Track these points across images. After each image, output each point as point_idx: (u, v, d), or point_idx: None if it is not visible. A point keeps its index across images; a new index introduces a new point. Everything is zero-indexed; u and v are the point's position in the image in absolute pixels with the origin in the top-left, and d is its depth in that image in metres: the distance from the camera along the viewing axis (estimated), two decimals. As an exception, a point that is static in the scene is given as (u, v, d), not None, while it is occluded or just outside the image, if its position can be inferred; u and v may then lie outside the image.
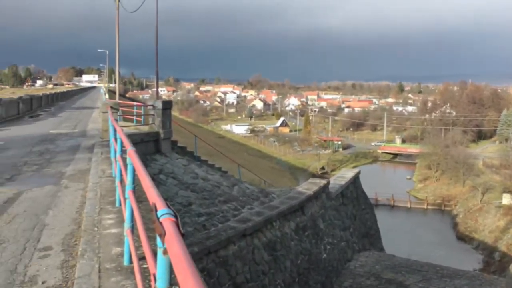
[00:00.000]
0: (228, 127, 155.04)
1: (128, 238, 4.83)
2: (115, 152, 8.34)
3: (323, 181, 23.43)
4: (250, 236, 15.54)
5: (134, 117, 24.68)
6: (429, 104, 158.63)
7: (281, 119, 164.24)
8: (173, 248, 2.19)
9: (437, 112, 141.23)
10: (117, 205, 7.38)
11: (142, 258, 4.72)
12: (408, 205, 73.96)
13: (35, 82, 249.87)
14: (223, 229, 14.81)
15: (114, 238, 5.94)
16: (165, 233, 2.36)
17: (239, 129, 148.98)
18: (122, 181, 7.04)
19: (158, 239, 2.52)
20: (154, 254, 3.17)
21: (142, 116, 23.86)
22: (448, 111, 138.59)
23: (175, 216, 2.53)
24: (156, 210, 2.67)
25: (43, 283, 5.04)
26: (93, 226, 6.46)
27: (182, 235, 2.33)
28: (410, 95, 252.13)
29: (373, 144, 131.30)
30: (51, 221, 7.23)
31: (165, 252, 2.49)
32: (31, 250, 5.96)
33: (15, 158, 13.80)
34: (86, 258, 5.31)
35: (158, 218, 2.54)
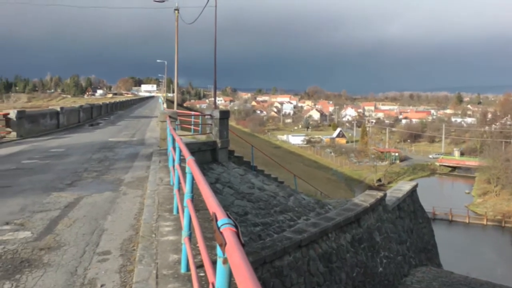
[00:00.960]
0: (284, 137, 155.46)
1: (186, 246, 4.89)
2: (174, 160, 8.49)
3: (380, 193, 23.03)
4: (306, 247, 15.45)
5: (192, 127, 25.09)
6: (489, 115, 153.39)
7: (338, 130, 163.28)
8: (234, 258, 2.20)
9: (497, 124, 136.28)
10: (174, 213, 7.50)
11: (199, 266, 4.77)
12: (467, 220, 71.39)
13: (95, 92, 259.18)
14: (278, 239, 14.80)
15: (171, 245, 6.03)
16: (225, 243, 2.37)
17: (296, 140, 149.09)
18: (180, 190, 7.16)
19: (218, 249, 2.53)
20: (212, 263, 3.20)
21: (200, 126, 24.23)
22: (509, 123, 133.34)
23: (236, 226, 2.53)
24: (216, 220, 2.69)
25: (102, 286, 5.18)
26: (150, 232, 6.59)
27: (243, 245, 2.34)
28: (469, 106, 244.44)
29: (430, 156, 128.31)
30: (110, 226, 7.44)
31: (225, 261, 2.51)
32: (90, 254, 6.14)
33: (76, 165, 14.35)
34: (144, 264, 5.42)
35: (218, 228, 2.55)
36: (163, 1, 38.87)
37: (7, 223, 7.75)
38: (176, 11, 40.52)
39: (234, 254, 2.22)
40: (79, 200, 9.34)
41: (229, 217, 2.65)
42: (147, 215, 7.56)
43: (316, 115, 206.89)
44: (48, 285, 5.24)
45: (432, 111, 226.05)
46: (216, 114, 20.37)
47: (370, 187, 77.86)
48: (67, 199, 9.47)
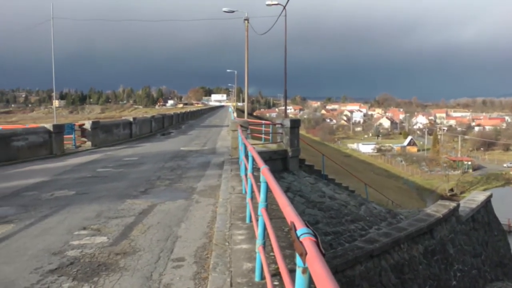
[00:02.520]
0: (354, 146, 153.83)
1: (260, 255, 4.91)
2: (246, 169, 8.58)
3: (453, 204, 22.30)
4: (377, 257, 15.21)
5: (262, 136, 25.30)
6: None
7: (409, 138, 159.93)
8: (316, 268, 2.19)
9: None
10: (247, 221, 7.57)
11: (273, 275, 4.78)
12: (545, 234, 67.21)
13: (166, 102, 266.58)
14: (350, 248, 14.66)
15: (245, 253, 6.08)
16: (306, 253, 2.37)
17: (366, 148, 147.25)
18: (252, 198, 7.22)
19: (298, 258, 2.54)
20: (289, 272, 3.21)
21: (270, 134, 24.41)
22: None
23: (315, 236, 2.53)
24: (295, 229, 2.70)
25: (177, 292, 5.30)
26: (224, 240, 6.68)
27: (323, 255, 2.33)
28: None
29: (505, 165, 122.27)
30: (183, 233, 7.61)
31: (304, 271, 2.51)
32: (165, 260, 6.31)
33: (149, 173, 14.80)
34: (218, 272, 5.49)
35: (298, 237, 2.56)
36: (233, 12, 39.49)
37: (84, 228, 8.11)
38: (246, 21, 41.05)
39: (315, 264, 2.22)
40: (152, 208, 9.63)
41: (308, 227, 2.65)
42: (220, 223, 7.67)
43: (386, 123, 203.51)
44: (125, 289, 5.43)
45: (507, 117, 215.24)
46: (287, 123, 20.46)
47: (442, 197, 75.04)
48: (141, 206, 9.79)
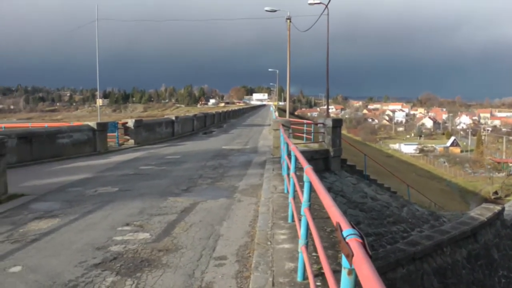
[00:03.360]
0: (396, 146, 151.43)
1: (303, 255, 4.89)
2: (288, 169, 8.55)
3: (497, 207, 21.71)
4: (420, 260, 14.97)
5: (304, 135, 25.23)
6: None
7: (452, 138, 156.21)
8: (363, 270, 2.17)
9: None
10: (289, 221, 7.55)
11: (316, 276, 4.75)
12: None
13: (208, 101, 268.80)
14: (391, 251, 14.48)
15: (287, 253, 6.06)
16: (353, 254, 2.35)
17: (408, 148, 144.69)
18: (295, 198, 7.20)
19: (344, 259, 2.52)
20: (333, 272, 3.19)
21: (312, 134, 24.32)
22: None
23: (361, 237, 2.51)
24: (341, 230, 2.67)
25: (219, 290, 5.33)
26: (266, 240, 6.67)
27: (370, 257, 2.30)
28: None
29: None
30: (225, 232, 7.65)
31: (350, 272, 2.49)
32: (207, 258, 6.36)
33: (191, 171, 14.96)
34: (260, 271, 5.49)
35: (344, 238, 2.54)
36: (275, 11, 39.50)
37: (127, 224, 8.26)
38: (288, 20, 41.00)
39: (363, 266, 2.20)
40: (194, 206, 9.72)
41: (353, 228, 2.62)
42: (262, 223, 7.67)
43: (429, 123, 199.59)
44: (167, 286, 5.50)
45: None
46: (329, 123, 20.34)
47: (486, 200, 73.02)
48: (183, 204, 9.89)
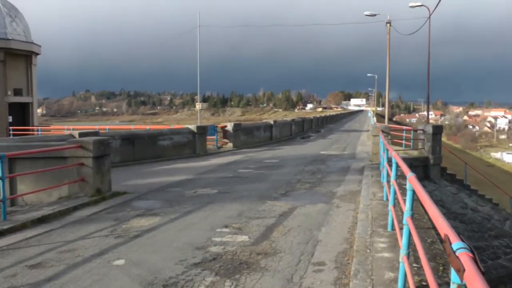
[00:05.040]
0: (498, 154, 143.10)
1: (404, 265, 4.75)
2: (388, 176, 8.34)
3: None
4: (525, 280, 14.07)
5: (403, 141, 24.61)
6: None
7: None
8: (475, 287, 2.07)
9: None
10: (389, 229, 7.38)
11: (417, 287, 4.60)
12: None
13: (306, 106, 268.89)
14: (493, 267, 13.78)
15: (386, 262, 5.92)
16: (464, 269, 2.24)
17: (510, 158, 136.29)
18: (395, 206, 7.02)
19: (454, 274, 2.41)
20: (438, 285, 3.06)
21: (411, 141, 23.69)
22: None
23: (472, 252, 2.39)
24: (450, 243, 2.56)
25: (318, 296, 5.29)
26: (365, 247, 6.55)
27: (483, 273, 2.18)
28: None
29: None
30: (324, 237, 7.59)
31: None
32: (305, 263, 6.33)
33: (289, 176, 15.01)
34: (359, 279, 5.40)
35: (453, 252, 2.43)
36: (375, 15, 38.83)
37: (226, 226, 8.42)
38: (388, 24, 40.15)
39: (475, 283, 2.09)
40: (293, 210, 9.73)
41: (463, 241, 2.51)
42: (361, 230, 7.55)
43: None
44: (266, 289, 5.53)
45: None
46: (429, 129, 19.73)
47: None
48: (281, 208, 9.94)
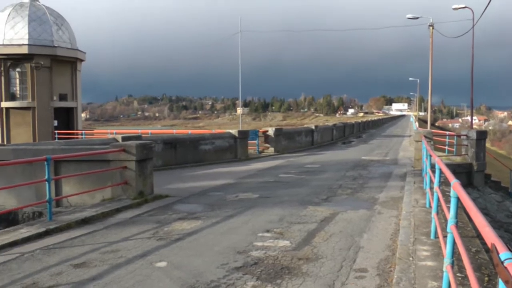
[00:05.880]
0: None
1: (448, 274, 4.65)
2: (431, 182, 8.17)
3: None
4: None
5: (446, 147, 24.14)
6: None
7: None
8: None
9: None
10: (432, 237, 7.24)
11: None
12: None
13: (347, 111, 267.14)
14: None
15: (430, 271, 5.81)
16: None
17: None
18: (438, 213, 6.88)
19: (501, 285, 2.34)
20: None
21: (455, 146, 23.22)
22: None
23: (520, 263, 2.31)
24: (497, 253, 2.49)
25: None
26: (407, 255, 6.44)
27: None
28: None
29: None
30: (366, 244, 7.49)
31: (509, 300, 2.31)
32: (347, 269, 6.26)
33: (330, 181, 14.92)
34: (401, 287, 5.32)
35: (501, 262, 2.36)
36: (417, 18, 38.24)
37: (267, 231, 8.42)
38: (431, 27, 39.48)
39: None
40: (334, 216, 9.66)
41: (511, 251, 2.43)
42: (403, 237, 7.43)
43: None
44: (307, 295, 5.50)
45: None
46: (473, 135, 19.31)
47: None
48: (323, 214, 9.87)
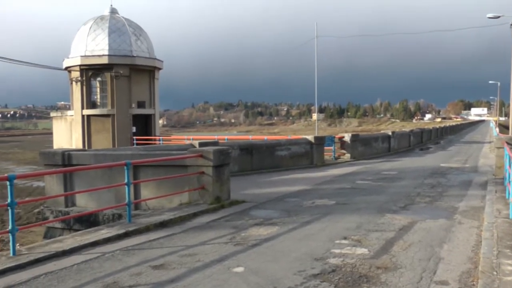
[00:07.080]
0: None
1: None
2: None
3: None
4: None
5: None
6: None
7: None
8: None
9: None
10: (516, 250, 6.87)
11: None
12: None
13: (424, 116, 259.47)
14: None
15: (515, 286, 5.51)
16: None
17: None
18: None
19: None
20: None
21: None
22: None
23: None
24: None
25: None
26: (491, 269, 6.14)
27: None
28: None
29: None
30: (446, 255, 7.21)
31: None
32: (427, 281, 6.04)
33: (408, 188, 14.53)
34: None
35: None
36: (498, 17, 36.51)
37: (345, 238, 8.30)
38: (512, 26, 37.58)
39: None
40: (413, 224, 9.38)
41: None
42: (486, 249, 7.08)
43: None
44: (386, 306, 5.36)
45: None
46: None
47: None
48: (401, 222, 9.62)
